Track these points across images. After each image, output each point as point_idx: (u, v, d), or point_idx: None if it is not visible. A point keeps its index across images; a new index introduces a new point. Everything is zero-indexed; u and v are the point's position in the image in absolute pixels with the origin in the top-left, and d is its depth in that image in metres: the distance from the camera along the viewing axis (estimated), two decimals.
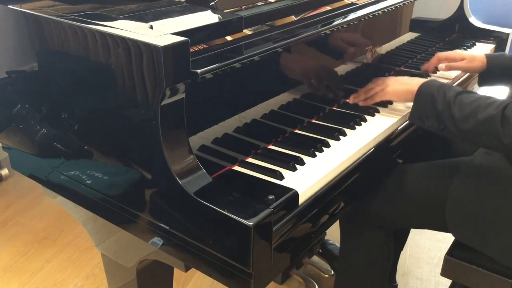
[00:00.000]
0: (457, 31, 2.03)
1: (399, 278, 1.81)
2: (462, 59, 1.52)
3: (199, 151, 1.05)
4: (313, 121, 1.29)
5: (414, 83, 1.25)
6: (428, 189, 1.25)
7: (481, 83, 1.55)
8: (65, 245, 2.08)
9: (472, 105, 1.10)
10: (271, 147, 1.15)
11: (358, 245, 1.40)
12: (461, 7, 1.99)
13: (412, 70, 1.64)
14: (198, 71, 0.88)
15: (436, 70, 1.58)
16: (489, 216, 1.14)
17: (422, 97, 1.20)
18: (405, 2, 1.52)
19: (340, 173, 1.10)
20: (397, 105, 1.37)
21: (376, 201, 1.31)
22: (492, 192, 1.15)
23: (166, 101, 0.87)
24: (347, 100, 1.38)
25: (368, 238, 1.37)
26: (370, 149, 1.21)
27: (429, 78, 1.34)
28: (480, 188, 1.17)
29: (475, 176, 1.18)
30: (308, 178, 1.03)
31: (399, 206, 1.30)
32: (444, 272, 1.25)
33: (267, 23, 1.14)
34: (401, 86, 1.28)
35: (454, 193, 1.18)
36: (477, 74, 1.56)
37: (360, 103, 1.35)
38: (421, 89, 1.21)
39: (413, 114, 1.22)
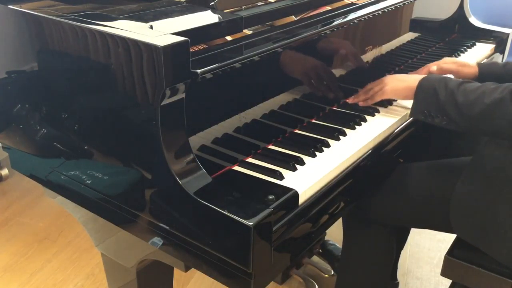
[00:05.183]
0: (457, 31, 2.03)
1: (399, 278, 1.81)
2: (453, 63, 1.51)
3: (199, 151, 1.05)
4: (313, 121, 1.29)
5: (412, 79, 1.25)
6: (432, 189, 1.25)
7: None
8: (65, 245, 2.08)
9: (477, 91, 1.10)
10: (271, 147, 1.15)
11: (361, 243, 1.41)
12: (461, 7, 1.99)
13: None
14: (198, 71, 0.89)
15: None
16: (495, 216, 1.14)
17: (423, 91, 1.20)
18: (405, 2, 1.52)
19: (340, 173, 1.10)
20: (397, 105, 1.37)
21: (379, 200, 1.31)
22: (498, 192, 1.14)
23: (166, 101, 0.87)
24: (347, 100, 1.38)
25: (371, 236, 1.37)
26: (370, 149, 1.21)
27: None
28: (486, 188, 1.16)
29: (480, 175, 1.18)
30: (308, 178, 1.03)
31: (402, 206, 1.30)
32: (444, 272, 1.25)
33: (267, 23, 1.14)
34: (400, 83, 1.29)
35: (459, 193, 1.18)
36: None
37: (360, 104, 1.35)
38: (422, 83, 1.21)
39: (415, 109, 1.22)
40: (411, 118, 1.35)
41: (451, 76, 1.53)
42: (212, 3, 1.09)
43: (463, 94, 1.11)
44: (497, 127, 1.09)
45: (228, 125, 1.10)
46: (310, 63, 1.29)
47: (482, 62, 1.51)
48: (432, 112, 1.18)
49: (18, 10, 1.07)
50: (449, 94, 1.13)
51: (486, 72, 1.48)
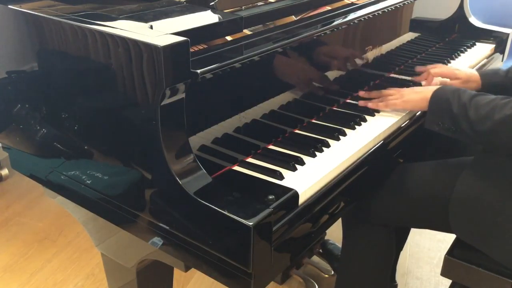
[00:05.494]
0: (457, 31, 2.03)
1: (399, 278, 1.81)
2: (456, 79, 1.48)
3: (199, 151, 1.05)
4: (313, 121, 1.29)
5: (428, 90, 1.25)
6: (431, 189, 1.25)
7: None
8: (65, 245, 2.08)
9: (488, 106, 1.10)
10: (271, 147, 1.15)
11: (360, 243, 1.41)
12: (461, 7, 1.99)
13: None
14: (198, 71, 0.89)
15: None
16: (494, 217, 1.14)
17: (437, 102, 1.20)
18: (405, 2, 1.52)
19: (340, 173, 1.10)
20: None
21: (379, 200, 1.31)
22: (498, 192, 1.14)
23: (166, 101, 0.87)
24: (357, 94, 1.38)
25: (370, 236, 1.37)
26: (370, 149, 1.21)
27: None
28: (486, 189, 1.16)
29: (481, 176, 1.18)
30: (308, 178, 1.03)
31: (402, 206, 1.30)
32: (444, 272, 1.25)
33: (267, 23, 1.14)
34: (416, 95, 1.29)
35: (459, 193, 1.18)
36: None
37: (369, 105, 1.34)
38: (436, 94, 1.21)
39: (429, 120, 1.22)
40: (411, 118, 1.35)
41: None
42: (212, 3, 1.09)
43: (475, 109, 1.12)
44: (505, 144, 1.10)
45: (228, 125, 1.10)
46: (310, 63, 1.29)
47: (483, 70, 1.48)
48: (446, 124, 1.18)
49: (18, 10, 1.07)
50: (462, 107, 1.14)
51: (488, 83, 1.47)
